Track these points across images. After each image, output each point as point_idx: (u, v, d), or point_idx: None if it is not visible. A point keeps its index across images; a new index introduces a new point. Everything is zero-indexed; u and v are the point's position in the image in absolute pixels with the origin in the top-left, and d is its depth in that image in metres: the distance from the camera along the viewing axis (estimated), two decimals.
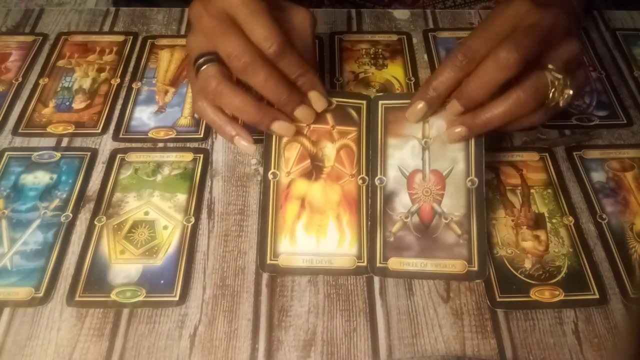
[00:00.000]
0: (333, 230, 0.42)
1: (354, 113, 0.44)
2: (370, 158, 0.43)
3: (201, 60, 0.40)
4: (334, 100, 0.44)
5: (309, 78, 0.41)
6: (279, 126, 0.42)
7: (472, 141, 0.42)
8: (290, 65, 0.40)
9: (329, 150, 0.43)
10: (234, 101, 0.40)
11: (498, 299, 0.39)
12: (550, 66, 0.39)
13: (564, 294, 0.40)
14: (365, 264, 0.41)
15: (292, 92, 0.41)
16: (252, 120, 0.41)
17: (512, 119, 0.40)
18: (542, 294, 0.40)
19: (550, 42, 0.39)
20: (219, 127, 0.42)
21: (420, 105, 0.41)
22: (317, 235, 0.41)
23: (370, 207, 0.42)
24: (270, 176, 0.43)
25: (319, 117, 0.43)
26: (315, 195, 0.42)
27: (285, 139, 0.43)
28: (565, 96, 0.40)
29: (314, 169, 0.43)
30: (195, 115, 0.51)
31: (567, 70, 0.40)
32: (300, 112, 0.42)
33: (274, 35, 0.38)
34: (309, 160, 0.43)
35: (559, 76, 0.39)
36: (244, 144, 0.42)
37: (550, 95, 0.39)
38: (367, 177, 0.43)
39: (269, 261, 0.41)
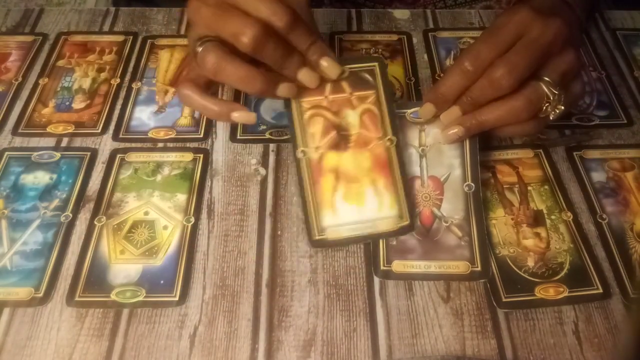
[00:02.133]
0: (371, 195, 0.42)
1: (368, 76, 0.44)
2: None
3: (198, 43, 0.39)
4: (346, 67, 0.43)
5: (319, 46, 0.41)
6: (283, 88, 0.41)
7: (467, 148, 0.44)
8: (300, 36, 0.39)
9: (352, 117, 0.43)
10: (239, 72, 0.38)
11: (504, 299, 0.39)
12: (546, 79, 0.40)
13: (567, 290, 0.40)
14: (407, 222, 0.42)
15: (295, 57, 0.40)
16: (259, 88, 0.40)
17: (504, 125, 0.42)
18: (547, 291, 0.40)
19: (548, 55, 0.40)
20: (211, 110, 0.41)
21: (431, 106, 0.43)
22: (357, 203, 0.42)
23: None
24: (299, 154, 0.42)
25: (335, 87, 0.43)
26: (347, 165, 0.42)
27: (307, 115, 0.43)
28: (557, 111, 0.41)
29: (341, 139, 0.43)
30: (195, 115, 0.51)
31: (563, 82, 0.41)
32: (304, 75, 0.41)
33: (282, 8, 0.38)
34: (334, 132, 0.43)
35: (555, 92, 0.40)
36: (241, 114, 0.41)
37: (544, 108, 0.41)
38: (393, 137, 0.43)
39: (316, 237, 0.41)
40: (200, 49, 0.39)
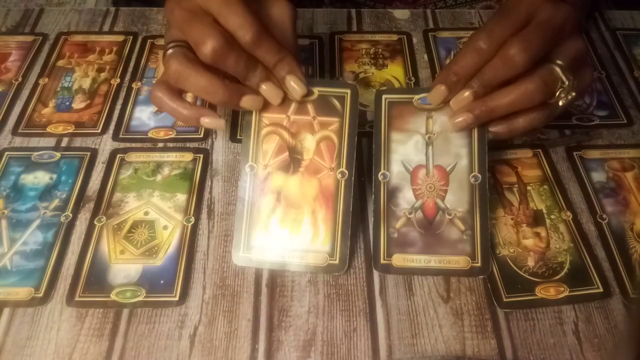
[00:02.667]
0: (307, 225, 0.41)
1: (336, 103, 0.43)
2: (374, 153, 0.43)
3: (169, 45, 0.40)
4: (316, 90, 0.42)
5: (286, 63, 0.40)
6: (247, 100, 0.40)
7: (476, 137, 0.42)
8: (267, 52, 0.39)
9: (309, 142, 0.42)
10: (199, 82, 0.38)
11: (505, 299, 0.39)
12: (560, 62, 0.39)
13: (568, 290, 0.40)
14: (336, 262, 0.40)
15: (259, 69, 0.40)
16: (220, 99, 0.39)
17: (517, 110, 0.40)
18: (548, 291, 0.40)
19: (559, 38, 0.40)
20: (180, 113, 0.40)
21: (443, 88, 0.41)
22: (291, 229, 0.41)
23: (374, 203, 0.42)
24: (247, 169, 0.42)
25: (300, 108, 0.42)
26: (291, 189, 0.42)
27: (264, 131, 0.42)
28: (569, 97, 0.40)
29: (292, 162, 0.42)
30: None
31: (574, 67, 0.40)
32: (266, 89, 0.40)
33: (249, 23, 0.37)
34: (287, 153, 0.42)
35: (570, 77, 0.39)
36: (210, 120, 0.41)
37: (557, 93, 0.40)
38: (346, 171, 0.42)
39: (241, 254, 0.41)
40: (167, 53, 0.39)
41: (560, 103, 0.40)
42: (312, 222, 0.41)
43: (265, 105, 0.42)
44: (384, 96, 0.44)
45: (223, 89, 0.39)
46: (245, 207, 0.41)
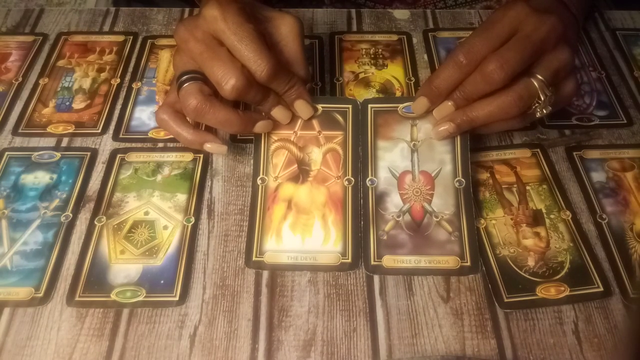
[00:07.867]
0: (318, 229, 0.42)
1: (339, 117, 0.46)
2: (361, 159, 0.45)
3: (184, 77, 0.42)
4: (320, 106, 0.46)
5: (295, 90, 0.43)
6: (260, 126, 0.44)
7: (458, 144, 0.44)
8: (279, 84, 0.42)
9: (316, 154, 0.45)
10: (217, 117, 0.41)
11: (506, 300, 0.39)
12: (540, 77, 0.41)
13: (569, 289, 0.40)
14: (349, 260, 0.41)
15: (271, 97, 0.43)
16: (236, 130, 0.44)
17: (495, 120, 0.42)
18: (548, 291, 0.40)
19: (542, 51, 0.41)
20: (184, 138, 0.43)
21: (425, 100, 0.43)
22: (303, 234, 0.42)
23: (363, 207, 0.43)
24: (258, 181, 0.44)
25: (305, 124, 0.45)
26: (301, 197, 0.43)
27: (273, 147, 0.45)
28: (545, 111, 0.42)
29: (301, 173, 0.44)
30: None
31: (556, 79, 0.42)
32: (277, 112, 0.44)
33: (264, 60, 0.39)
34: (296, 165, 0.44)
35: (547, 93, 0.41)
36: (212, 146, 0.43)
37: (533, 107, 0.41)
38: (352, 179, 0.44)
39: (254, 258, 0.41)
40: (184, 86, 0.41)
41: (537, 115, 0.42)
42: (323, 226, 0.42)
43: (274, 124, 0.45)
44: (370, 105, 0.46)
45: (239, 121, 0.42)
46: (258, 215, 0.43)
